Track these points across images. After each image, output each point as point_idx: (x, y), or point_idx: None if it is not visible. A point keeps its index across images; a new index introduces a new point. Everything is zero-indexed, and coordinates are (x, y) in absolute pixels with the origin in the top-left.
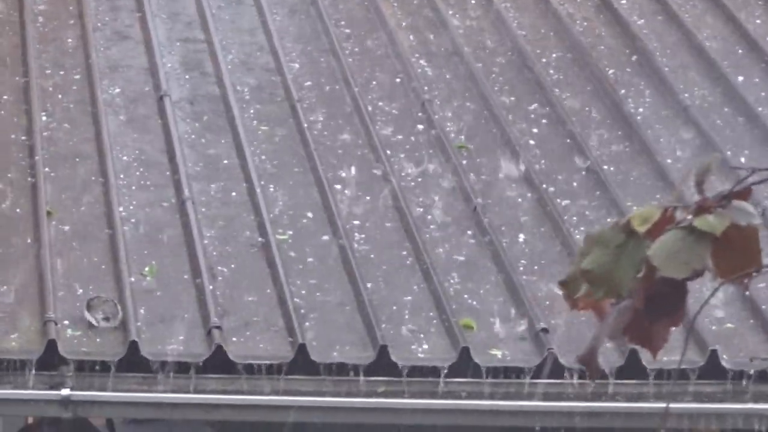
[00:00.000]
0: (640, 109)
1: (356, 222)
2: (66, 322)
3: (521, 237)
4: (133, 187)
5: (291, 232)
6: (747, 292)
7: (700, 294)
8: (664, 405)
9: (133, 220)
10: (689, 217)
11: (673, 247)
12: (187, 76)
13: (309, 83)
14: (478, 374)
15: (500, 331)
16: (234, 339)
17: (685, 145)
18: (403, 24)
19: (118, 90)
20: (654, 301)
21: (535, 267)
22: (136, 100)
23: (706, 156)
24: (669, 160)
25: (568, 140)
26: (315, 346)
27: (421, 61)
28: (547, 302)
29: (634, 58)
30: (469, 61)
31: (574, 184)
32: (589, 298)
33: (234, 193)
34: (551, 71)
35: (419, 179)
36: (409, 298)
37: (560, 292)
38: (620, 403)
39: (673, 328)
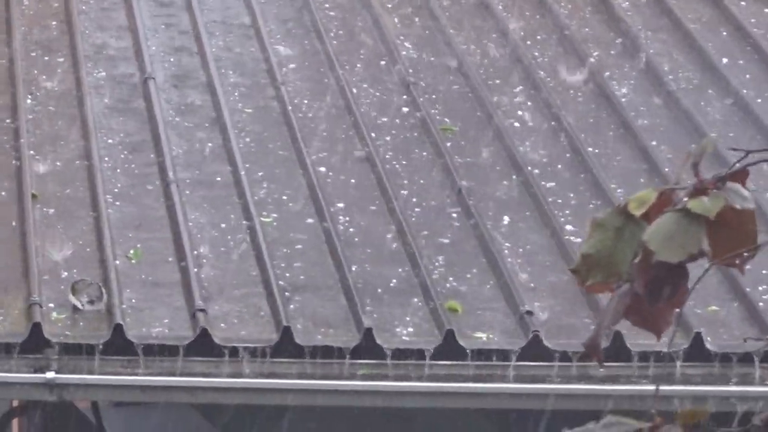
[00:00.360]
0: (624, 91)
1: (341, 205)
2: (51, 305)
3: (506, 220)
4: (118, 170)
5: (276, 215)
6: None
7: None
8: (647, 387)
9: (118, 203)
10: (685, 199)
11: (669, 231)
12: (171, 59)
13: (293, 66)
14: (462, 357)
15: (485, 313)
16: (219, 322)
17: (669, 128)
18: (388, 6)
19: (102, 73)
20: (655, 283)
21: (520, 250)
22: (121, 83)
23: (690, 138)
24: (653, 143)
25: (553, 122)
26: (300, 329)
27: (406, 44)
28: (532, 285)
29: (618, 40)
30: (454, 44)
31: (559, 166)
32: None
33: (218, 177)
34: (536, 54)
35: (404, 162)
36: (394, 281)
37: (548, 277)
38: (605, 386)
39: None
